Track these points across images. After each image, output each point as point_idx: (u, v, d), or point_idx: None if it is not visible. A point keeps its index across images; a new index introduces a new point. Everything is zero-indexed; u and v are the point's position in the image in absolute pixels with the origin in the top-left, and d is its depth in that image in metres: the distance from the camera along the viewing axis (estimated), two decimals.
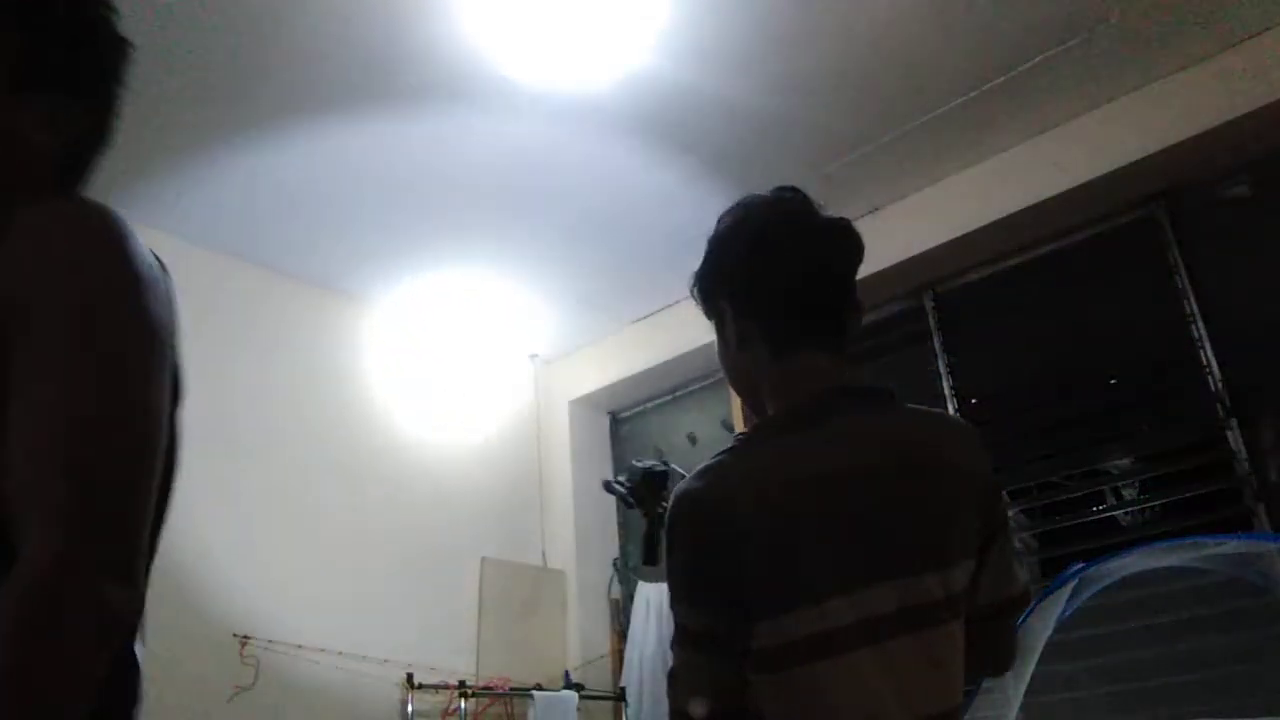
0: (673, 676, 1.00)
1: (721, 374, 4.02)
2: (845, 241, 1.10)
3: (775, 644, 0.94)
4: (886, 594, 0.96)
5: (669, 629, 3.56)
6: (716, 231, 1.16)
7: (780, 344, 1.08)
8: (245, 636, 3.05)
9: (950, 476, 1.05)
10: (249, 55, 2.53)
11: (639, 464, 1.51)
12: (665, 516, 1.03)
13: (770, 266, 1.09)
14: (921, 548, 1.00)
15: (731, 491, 0.98)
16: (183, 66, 2.52)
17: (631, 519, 4.39)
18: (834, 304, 1.10)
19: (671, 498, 1.01)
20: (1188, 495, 2.82)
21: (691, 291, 1.19)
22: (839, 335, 1.10)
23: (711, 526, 0.97)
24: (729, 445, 1.05)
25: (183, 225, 3.25)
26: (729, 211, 1.16)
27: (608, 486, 1.59)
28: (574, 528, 4.22)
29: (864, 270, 1.16)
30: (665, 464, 1.48)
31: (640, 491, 1.47)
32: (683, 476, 1.37)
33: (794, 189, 1.14)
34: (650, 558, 1.45)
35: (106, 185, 0.90)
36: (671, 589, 1.00)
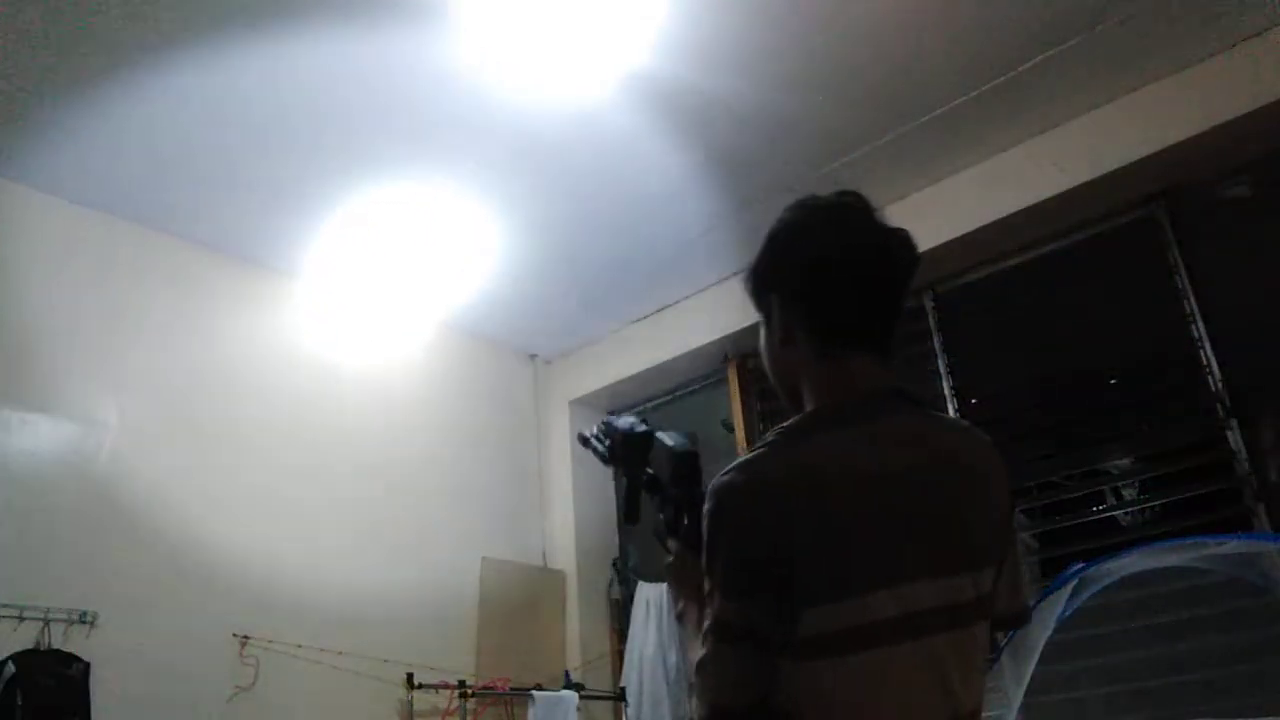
0: (702, 666, 0.99)
1: (721, 374, 3.99)
2: (903, 252, 1.10)
3: (819, 633, 0.95)
4: (927, 590, 0.98)
5: (669, 629, 3.55)
6: (776, 227, 1.17)
7: (828, 344, 1.09)
8: (245, 636, 3.05)
9: (983, 483, 1.07)
10: None
11: (617, 423, 1.46)
12: (705, 504, 1.01)
13: (826, 269, 1.09)
14: (958, 548, 1.02)
15: (777, 481, 0.98)
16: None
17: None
18: (885, 311, 1.11)
19: (710, 491, 1.00)
20: (1188, 495, 2.82)
21: (745, 283, 1.20)
22: (886, 340, 1.11)
23: (756, 515, 0.97)
24: (769, 439, 1.05)
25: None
26: (790, 209, 1.16)
27: (584, 441, 1.54)
28: (574, 528, 4.22)
29: None
30: (646, 423, 1.44)
31: (619, 452, 1.43)
32: (667, 446, 1.34)
33: (856, 194, 1.14)
34: (632, 515, 1.40)
35: None
36: (712, 580, 0.99)
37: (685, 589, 1.18)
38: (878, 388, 1.08)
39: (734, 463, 1.01)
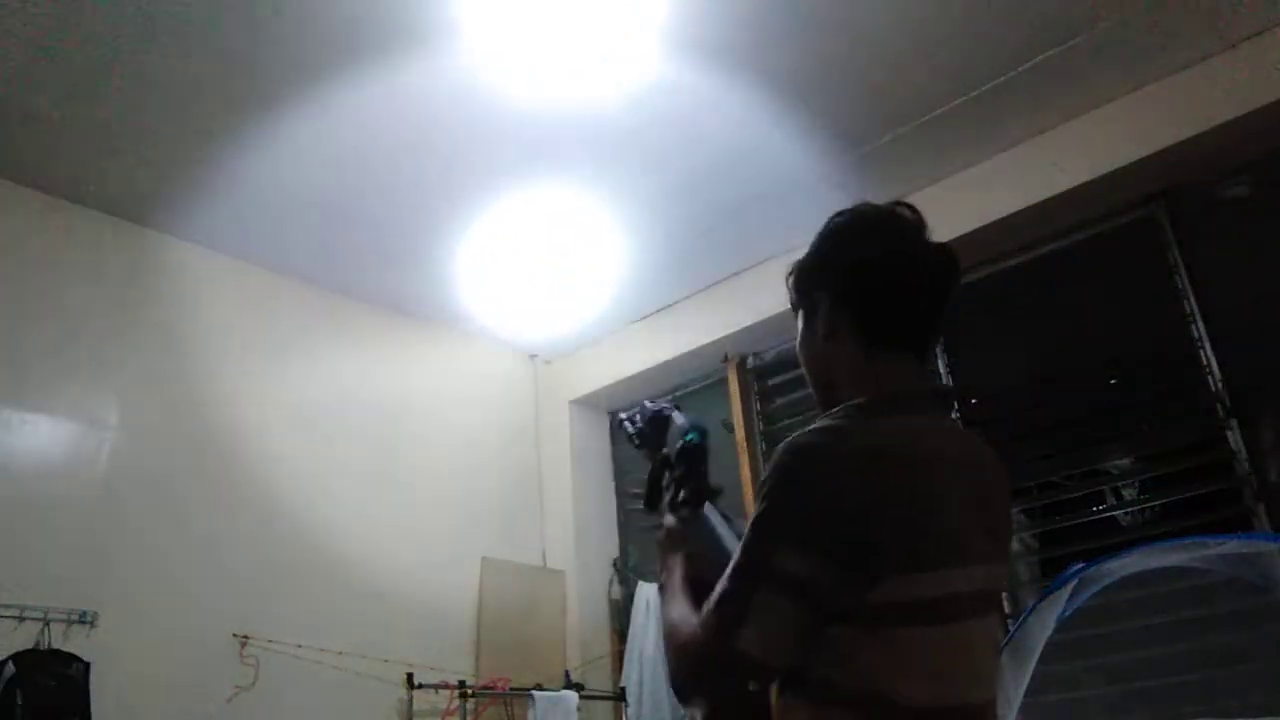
0: (741, 617, 0.99)
1: (721, 374, 3.97)
2: (950, 266, 1.17)
3: (899, 600, 0.97)
4: (980, 573, 1.04)
5: None
6: (830, 228, 1.22)
7: (872, 343, 1.14)
8: (245, 636, 3.05)
9: (1000, 485, 1.15)
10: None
11: (649, 404, 1.52)
12: (777, 459, 1.03)
13: (879, 273, 1.15)
14: (998, 538, 1.10)
15: (860, 449, 1.02)
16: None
17: (633, 520, 4.38)
18: (928, 319, 1.17)
19: (789, 449, 1.02)
20: (1188, 495, 2.81)
21: (787, 278, 1.25)
22: (925, 344, 1.19)
23: (840, 477, 0.99)
24: (838, 414, 1.08)
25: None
26: (846, 213, 1.22)
27: (618, 423, 1.64)
28: (574, 528, 4.22)
29: None
30: (678, 406, 1.49)
31: (646, 430, 1.49)
32: (677, 424, 1.40)
33: (912, 206, 1.20)
34: (652, 502, 1.45)
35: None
36: (775, 533, 1.00)
37: (673, 555, 1.24)
38: (916, 388, 1.14)
39: (812, 426, 1.05)
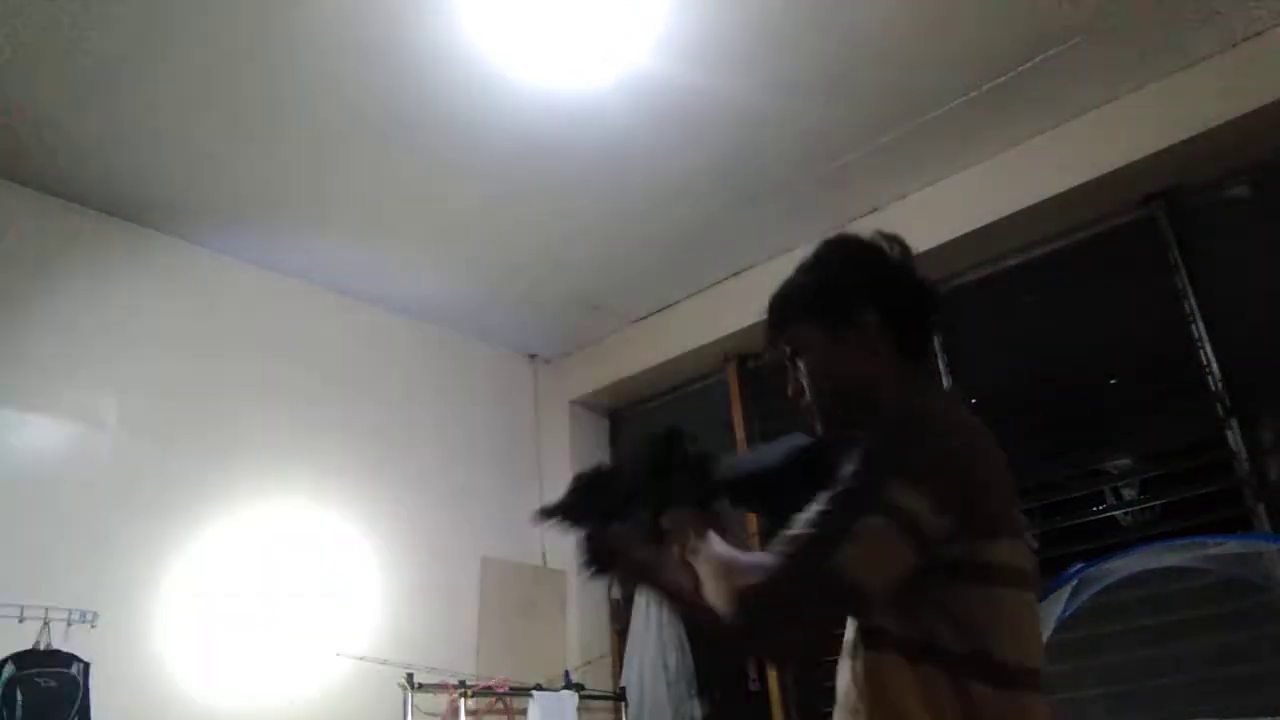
0: (843, 536, 0.99)
1: (721, 374, 3.94)
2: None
3: (1002, 562, 1.05)
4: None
5: (669, 629, 3.57)
6: (867, 254, 1.30)
7: (910, 352, 1.28)
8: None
9: None
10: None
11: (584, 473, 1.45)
12: (891, 419, 1.14)
13: (923, 296, 1.30)
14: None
15: (963, 422, 1.14)
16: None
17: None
18: (933, 332, 1.35)
19: (906, 402, 1.16)
20: (1188, 495, 2.81)
21: (820, 297, 1.30)
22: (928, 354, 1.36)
23: (962, 439, 1.10)
24: (906, 399, 1.19)
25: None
26: (860, 241, 1.31)
27: (543, 514, 1.47)
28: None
29: None
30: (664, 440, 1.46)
31: (573, 502, 1.36)
32: (646, 434, 1.46)
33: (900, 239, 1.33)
34: (600, 561, 1.25)
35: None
36: (893, 466, 1.04)
37: (694, 530, 1.33)
38: (943, 388, 1.26)
39: (908, 397, 1.19)
